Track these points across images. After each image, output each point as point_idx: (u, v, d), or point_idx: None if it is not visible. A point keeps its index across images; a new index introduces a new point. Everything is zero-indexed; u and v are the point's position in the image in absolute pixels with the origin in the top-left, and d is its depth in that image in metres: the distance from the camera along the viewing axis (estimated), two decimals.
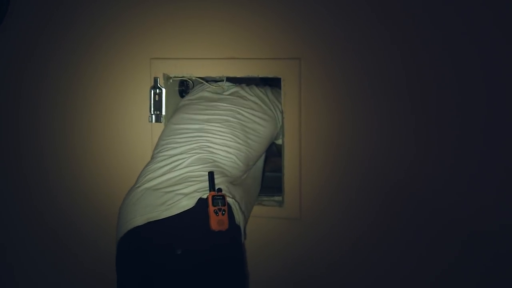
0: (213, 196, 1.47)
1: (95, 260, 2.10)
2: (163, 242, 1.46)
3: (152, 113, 1.93)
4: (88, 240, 2.11)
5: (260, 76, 1.87)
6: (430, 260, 1.80)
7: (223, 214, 1.45)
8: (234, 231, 1.52)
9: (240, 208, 1.56)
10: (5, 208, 2.19)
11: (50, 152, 2.10)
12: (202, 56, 1.91)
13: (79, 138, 2.06)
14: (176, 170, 1.58)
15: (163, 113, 1.93)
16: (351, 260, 1.86)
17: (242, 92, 1.86)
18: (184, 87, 2.05)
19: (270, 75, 1.86)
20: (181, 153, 1.63)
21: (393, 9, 1.75)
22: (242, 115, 1.77)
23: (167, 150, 1.66)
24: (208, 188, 1.51)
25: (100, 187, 2.05)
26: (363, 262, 1.85)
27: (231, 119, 1.74)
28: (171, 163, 1.60)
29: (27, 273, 2.20)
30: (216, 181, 1.53)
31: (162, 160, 1.63)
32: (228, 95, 1.86)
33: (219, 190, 1.51)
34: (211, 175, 1.53)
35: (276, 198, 1.92)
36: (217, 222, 1.44)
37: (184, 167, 1.58)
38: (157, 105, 1.93)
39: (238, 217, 1.54)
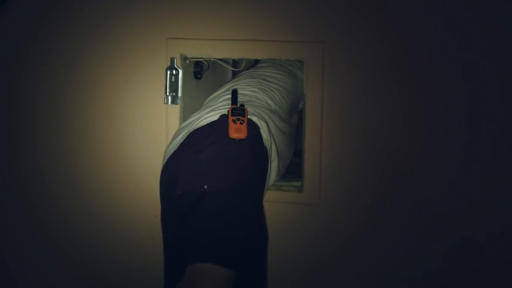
0: (233, 108, 1.56)
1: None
2: (188, 154, 1.56)
3: (167, 94, 1.88)
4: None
5: (282, 58, 1.82)
6: (450, 245, 1.78)
7: (241, 123, 1.53)
8: (257, 145, 1.59)
9: (269, 130, 1.65)
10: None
11: (66, 134, 2.04)
12: (222, 37, 1.86)
13: (93, 120, 2.00)
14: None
15: (179, 94, 1.88)
16: (370, 247, 1.83)
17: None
18: (199, 68, 1.99)
19: (292, 58, 1.83)
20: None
21: None
22: (259, 73, 1.92)
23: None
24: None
25: (113, 168, 2.00)
26: (382, 249, 1.83)
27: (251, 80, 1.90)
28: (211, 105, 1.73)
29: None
30: (254, 110, 1.66)
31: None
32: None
33: (242, 105, 1.63)
34: (234, 92, 1.68)
35: (295, 183, 1.89)
36: (235, 129, 1.53)
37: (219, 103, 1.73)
38: (173, 87, 1.88)
39: (266, 136, 1.63)
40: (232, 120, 1.54)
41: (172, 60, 1.87)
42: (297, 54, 1.81)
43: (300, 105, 2.06)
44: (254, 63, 2.13)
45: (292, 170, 1.96)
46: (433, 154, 1.77)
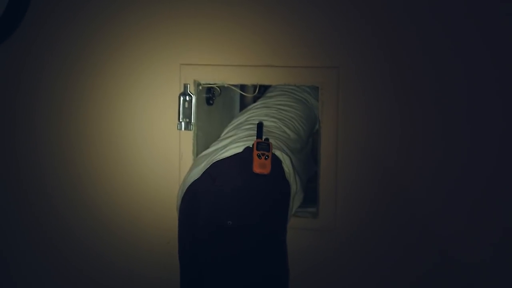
0: (258, 142, 1.57)
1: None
2: (212, 186, 1.56)
3: (181, 120, 1.86)
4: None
5: (296, 84, 1.82)
6: (472, 276, 1.77)
7: (266, 159, 1.54)
8: (279, 180, 1.61)
9: (291, 163, 1.65)
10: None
11: (74, 159, 2.03)
12: (236, 62, 1.86)
13: (106, 147, 1.98)
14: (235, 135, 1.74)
15: (193, 120, 1.87)
16: (389, 274, 1.81)
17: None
18: (211, 94, 1.99)
19: (307, 84, 1.83)
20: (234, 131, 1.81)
21: (433, 17, 1.73)
22: (273, 102, 1.93)
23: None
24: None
25: (128, 196, 1.98)
26: (402, 277, 1.81)
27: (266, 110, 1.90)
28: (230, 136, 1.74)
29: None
30: (276, 142, 1.67)
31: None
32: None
33: (266, 139, 1.62)
34: (259, 125, 1.67)
35: (310, 209, 1.88)
36: (259, 164, 1.53)
37: (241, 133, 1.74)
38: (186, 113, 1.87)
39: (288, 170, 1.63)
40: (257, 155, 1.55)
41: (185, 86, 1.86)
42: (312, 79, 1.81)
43: (314, 130, 2.06)
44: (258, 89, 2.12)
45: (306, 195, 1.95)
46: (453, 181, 1.76)
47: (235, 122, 1.86)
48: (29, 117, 2.05)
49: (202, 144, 1.93)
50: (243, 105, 2.30)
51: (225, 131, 1.85)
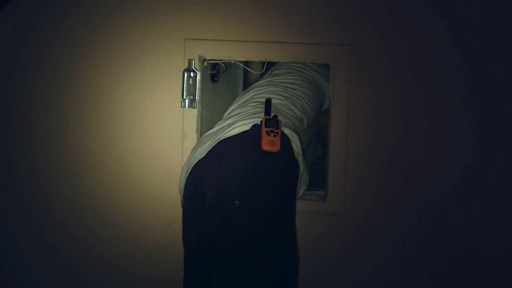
0: (266, 119, 1.49)
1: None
2: (219, 165, 1.49)
3: (184, 97, 1.78)
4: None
5: (306, 62, 1.74)
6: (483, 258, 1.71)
7: (275, 136, 1.46)
8: (288, 157, 1.54)
9: (300, 143, 1.58)
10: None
11: (77, 137, 1.95)
12: (243, 38, 1.77)
13: (105, 123, 1.91)
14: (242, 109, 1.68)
15: (197, 98, 1.78)
16: (396, 259, 1.75)
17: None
18: (216, 71, 1.90)
19: (318, 62, 1.75)
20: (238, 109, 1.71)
21: None
22: (279, 80, 1.84)
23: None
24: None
25: (125, 174, 1.91)
26: (409, 262, 1.75)
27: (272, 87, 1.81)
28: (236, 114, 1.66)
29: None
30: (284, 120, 1.59)
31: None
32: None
33: (275, 116, 1.54)
34: (267, 101, 1.59)
35: (318, 192, 1.81)
36: (268, 142, 1.45)
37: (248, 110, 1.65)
38: (191, 89, 1.79)
39: (297, 148, 1.56)
40: (266, 132, 1.47)
41: (190, 61, 1.78)
42: (323, 57, 1.73)
43: (321, 110, 1.98)
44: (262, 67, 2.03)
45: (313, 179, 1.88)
46: (465, 165, 1.69)
47: (240, 100, 1.78)
48: (29, 103, 1.98)
49: (206, 123, 1.85)
50: (247, 84, 2.22)
51: (229, 109, 1.77)
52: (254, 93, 1.78)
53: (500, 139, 1.66)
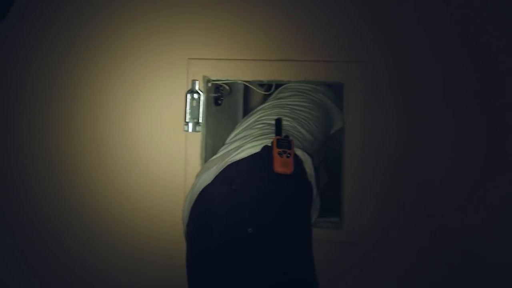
0: (278, 140, 1.42)
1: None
2: (228, 191, 1.38)
3: (188, 121, 1.67)
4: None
5: (318, 80, 1.65)
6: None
7: (288, 157, 1.37)
8: (302, 180, 1.43)
9: (313, 165, 1.49)
10: None
11: (66, 164, 1.80)
12: (250, 57, 1.68)
13: (101, 149, 1.77)
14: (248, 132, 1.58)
15: (201, 121, 1.68)
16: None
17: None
18: (219, 93, 1.80)
19: (330, 80, 1.66)
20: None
21: (466, 9, 1.59)
22: (285, 103, 1.74)
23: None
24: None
25: (126, 206, 1.77)
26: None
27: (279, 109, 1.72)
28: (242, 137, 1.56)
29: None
30: (295, 142, 1.51)
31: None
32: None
33: (287, 136, 1.47)
34: (278, 121, 1.54)
35: (333, 219, 1.70)
36: (281, 163, 1.36)
37: (255, 132, 1.56)
38: (194, 112, 1.68)
39: (310, 171, 1.47)
40: (278, 153, 1.38)
41: (193, 82, 1.68)
42: (335, 75, 1.64)
43: (330, 134, 1.89)
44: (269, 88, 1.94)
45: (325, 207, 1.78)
46: (481, 189, 1.61)
47: (244, 123, 1.68)
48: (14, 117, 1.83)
49: (209, 149, 1.74)
50: (247, 110, 2.12)
51: (233, 134, 1.67)
52: (259, 116, 1.68)
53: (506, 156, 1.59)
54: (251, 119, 1.68)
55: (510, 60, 1.59)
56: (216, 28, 1.70)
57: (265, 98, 1.92)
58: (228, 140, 1.65)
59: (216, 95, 1.79)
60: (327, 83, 1.84)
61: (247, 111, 2.13)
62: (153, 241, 1.76)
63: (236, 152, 1.44)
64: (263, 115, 1.67)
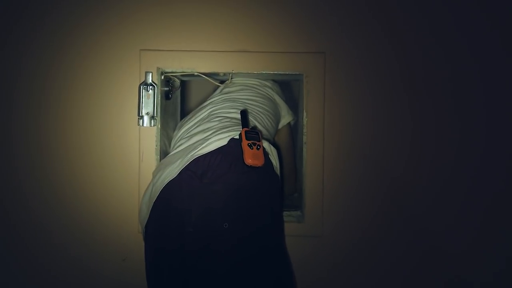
0: (246, 131, 1.37)
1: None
2: (201, 185, 1.33)
3: (141, 114, 1.59)
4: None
5: (277, 72, 1.62)
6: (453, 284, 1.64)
7: (257, 149, 1.34)
8: (271, 172, 1.41)
9: (278, 157, 1.46)
10: None
11: (26, 154, 1.67)
12: (206, 48, 1.63)
13: (53, 145, 1.65)
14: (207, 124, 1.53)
15: (155, 114, 1.60)
16: (376, 281, 1.65)
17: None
18: (170, 87, 1.73)
19: (290, 71, 1.63)
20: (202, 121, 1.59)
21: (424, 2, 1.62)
22: (235, 97, 1.71)
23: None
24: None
25: (78, 204, 1.66)
26: (390, 283, 1.65)
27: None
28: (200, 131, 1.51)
29: None
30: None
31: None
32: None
33: (254, 128, 1.42)
34: (243, 112, 1.50)
35: (294, 213, 1.67)
36: (251, 155, 1.33)
37: (216, 125, 1.51)
38: (148, 106, 1.60)
39: (275, 163, 1.43)
40: (248, 145, 1.35)
41: (146, 74, 1.60)
42: (295, 67, 1.61)
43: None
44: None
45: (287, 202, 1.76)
46: (440, 180, 1.64)
47: (195, 118, 1.62)
48: None
49: (162, 144, 1.66)
50: (184, 114, 2.04)
51: (185, 127, 1.60)
52: (210, 110, 1.63)
53: (492, 170, 1.64)
54: (202, 113, 1.63)
55: (478, 46, 1.63)
56: (170, 18, 1.63)
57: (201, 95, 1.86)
58: (180, 134, 1.59)
59: (166, 89, 1.72)
60: (274, 79, 1.81)
61: (183, 106, 2.06)
62: (107, 242, 1.68)
63: (202, 146, 1.39)
64: (216, 109, 1.62)
